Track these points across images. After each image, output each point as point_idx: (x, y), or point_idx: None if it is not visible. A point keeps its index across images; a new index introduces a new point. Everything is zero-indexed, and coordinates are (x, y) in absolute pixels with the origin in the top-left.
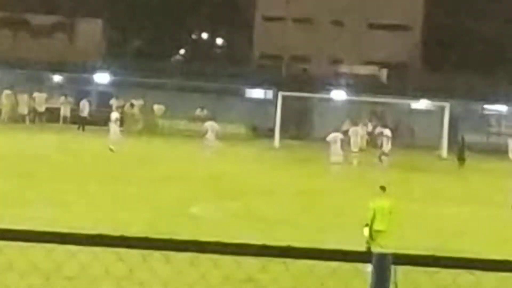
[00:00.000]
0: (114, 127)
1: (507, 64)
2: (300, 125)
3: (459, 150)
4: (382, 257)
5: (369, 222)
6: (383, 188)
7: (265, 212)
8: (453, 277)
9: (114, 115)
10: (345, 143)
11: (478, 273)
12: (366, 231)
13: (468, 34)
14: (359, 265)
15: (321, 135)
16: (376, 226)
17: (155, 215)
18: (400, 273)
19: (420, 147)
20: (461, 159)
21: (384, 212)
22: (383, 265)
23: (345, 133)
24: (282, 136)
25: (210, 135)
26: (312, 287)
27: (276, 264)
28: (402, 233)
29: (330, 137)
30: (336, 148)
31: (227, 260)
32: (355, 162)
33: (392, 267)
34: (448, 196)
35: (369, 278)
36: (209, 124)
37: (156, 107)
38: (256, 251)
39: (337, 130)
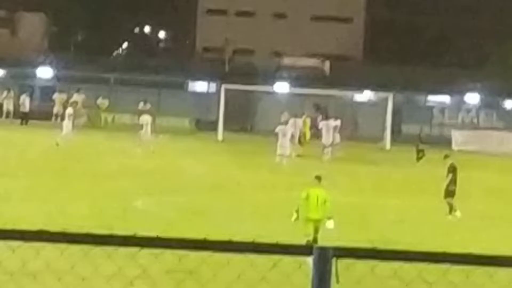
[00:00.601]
0: (67, 123)
1: (449, 55)
2: (243, 118)
3: (417, 146)
4: (323, 250)
5: (299, 210)
6: (318, 178)
7: (210, 206)
8: (395, 269)
9: (68, 110)
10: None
11: (420, 265)
12: (294, 217)
13: (409, 26)
14: (301, 258)
15: (265, 128)
16: (312, 215)
17: (98, 209)
18: (341, 266)
19: (363, 139)
20: (419, 155)
21: (319, 200)
22: (324, 258)
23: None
24: (225, 129)
25: (145, 130)
26: (253, 280)
27: (217, 257)
28: (344, 224)
29: (278, 129)
30: (285, 140)
31: (168, 254)
32: (295, 154)
33: (333, 260)
34: (391, 187)
35: (310, 272)
36: (144, 118)
37: (99, 101)
38: (197, 245)
39: (287, 123)
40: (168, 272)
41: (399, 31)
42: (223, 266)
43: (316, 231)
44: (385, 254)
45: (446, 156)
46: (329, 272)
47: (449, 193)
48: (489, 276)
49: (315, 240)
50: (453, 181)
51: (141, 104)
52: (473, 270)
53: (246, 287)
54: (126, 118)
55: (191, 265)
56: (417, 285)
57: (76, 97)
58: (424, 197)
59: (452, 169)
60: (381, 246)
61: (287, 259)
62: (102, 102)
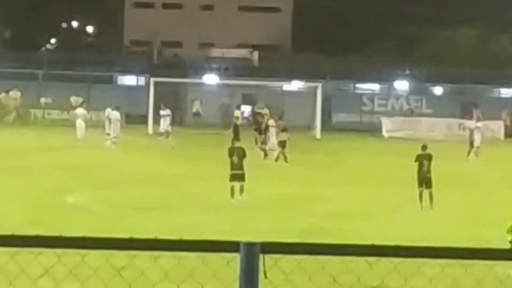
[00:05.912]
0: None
1: (377, 43)
2: (173, 111)
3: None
4: (250, 246)
5: None
6: None
7: (142, 200)
8: (322, 263)
9: None
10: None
11: (347, 258)
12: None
13: (337, 14)
14: (228, 255)
15: (195, 120)
16: None
17: (31, 206)
18: (269, 261)
19: (293, 128)
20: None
21: None
22: (251, 254)
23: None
24: (155, 122)
25: (80, 123)
26: (180, 278)
27: (144, 257)
28: (276, 215)
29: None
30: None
31: (96, 254)
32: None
33: (261, 256)
34: (323, 176)
35: (238, 268)
36: (79, 111)
37: (29, 97)
38: (124, 244)
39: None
40: (95, 272)
41: (327, 19)
42: (150, 265)
43: None
44: (311, 248)
45: (424, 147)
46: (256, 268)
47: (426, 183)
48: (417, 267)
49: None
50: (427, 171)
51: (72, 99)
52: (402, 262)
53: (174, 285)
54: (55, 114)
55: (117, 265)
56: (345, 277)
57: (5, 94)
58: (358, 185)
59: (428, 158)
60: (318, 235)
61: (214, 256)
62: (32, 98)
